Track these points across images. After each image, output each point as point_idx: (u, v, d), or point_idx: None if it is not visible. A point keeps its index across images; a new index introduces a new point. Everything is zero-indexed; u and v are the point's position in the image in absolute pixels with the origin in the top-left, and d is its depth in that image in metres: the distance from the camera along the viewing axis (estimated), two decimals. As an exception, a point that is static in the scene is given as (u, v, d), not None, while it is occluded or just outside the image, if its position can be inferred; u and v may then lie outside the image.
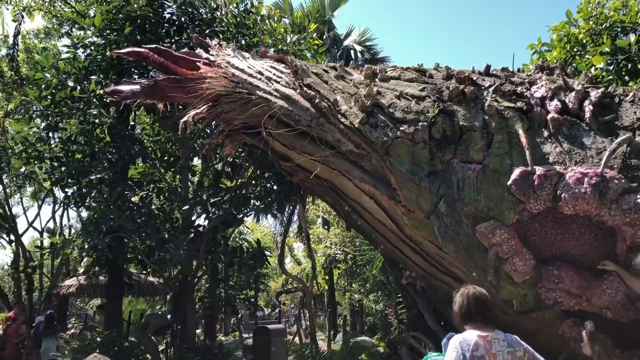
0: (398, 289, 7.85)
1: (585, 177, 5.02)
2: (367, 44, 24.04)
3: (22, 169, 9.61)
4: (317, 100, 6.16)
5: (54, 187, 11.12)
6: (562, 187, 5.09)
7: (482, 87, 6.06)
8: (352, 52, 23.76)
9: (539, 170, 5.19)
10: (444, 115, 5.77)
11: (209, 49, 7.54)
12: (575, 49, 9.23)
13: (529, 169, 5.24)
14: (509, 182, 5.27)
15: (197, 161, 12.56)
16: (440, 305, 6.70)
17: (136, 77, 9.74)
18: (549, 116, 5.56)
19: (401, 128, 5.68)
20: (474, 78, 6.16)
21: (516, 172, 5.28)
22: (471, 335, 3.16)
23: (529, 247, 5.31)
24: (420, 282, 6.96)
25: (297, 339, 12.00)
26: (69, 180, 9.68)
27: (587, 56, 8.88)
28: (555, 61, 8.06)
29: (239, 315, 20.05)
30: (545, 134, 5.54)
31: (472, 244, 5.37)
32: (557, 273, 5.19)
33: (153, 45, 7.73)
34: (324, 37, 21.95)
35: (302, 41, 10.63)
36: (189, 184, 10.93)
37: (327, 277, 21.79)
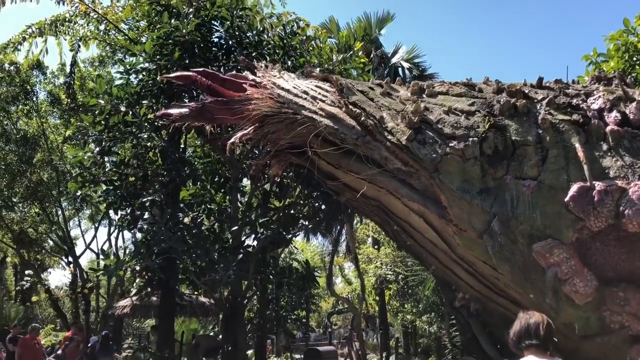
0: (451, 311, 7.56)
1: (650, 192, 4.72)
2: (415, 61, 23.86)
3: (78, 193, 9.90)
4: (362, 118, 6.06)
5: (108, 210, 11.41)
6: (625, 203, 4.80)
7: (535, 100, 5.83)
8: (399, 69, 23.63)
9: (598, 185, 4.92)
10: (495, 130, 5.56)
11: (255, 70, 7.60)
12: (634, 58, 8.84)
13: (587, 185, 4.97)
14: (567, 199, 5.00)
15: (246, 182, 12.67)
16: (495, 329, 6.41)
17: (186, 100, 9.93)
18: (608, 128, 5.28)
19: (450, 144, 5.51)
20: (526, 91, 5.94)
21: (574, 188, 5.02)
22: (529, 362, 2.96)
23: (590, 267, 5.01)
24: (474, 304, 6.69)
25: (348, 361, 11.79)
26: (122, 202, 9.92)
27: (647, 65, 8.49)
28: (612, 71, 7.72)
29: (291, 336, 19.96)
30: (605, 147, 5.26)
31: (528, 264, 5.11)
32: (622, 295, 4.87)
33: (201, 69, 7.85)
34: (371, 55, 21.95)
35: (348, 60, 10.60)
36: (238, 204, 11.01)
37: (377, 298, 21.46)
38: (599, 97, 5.65)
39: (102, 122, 9.55)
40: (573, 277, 4.92)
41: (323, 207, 11.09)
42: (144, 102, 9.68)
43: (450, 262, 6.27)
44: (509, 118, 5.66)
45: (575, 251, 5.00)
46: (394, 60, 23.74)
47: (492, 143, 5.50)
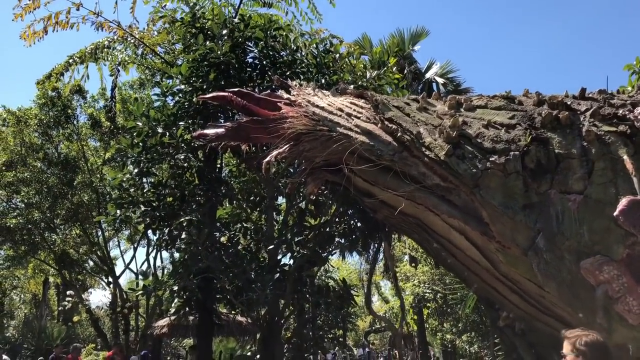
0: (495, 331, 7.32)
1: None
2: (449, 76, 23.71)
3: (117, 214, 10.05)
4: (399, 134, 5.98)
5: (146, 230, 11.56)
6: (679, 217, 4.56)
7: (578, 112, 5.64)
8: (433, 85, 23.51)
9: (650, 198, 4.70)
10: (537, 143, 5.40)
11: (290, 89, 7.61)
12: (681, 66, 8.53)
13: (638, 198, 4.76)
14: (616, 213, 4.80)
15: (281, 200, 12.67)
16: (542, 349, 6.16)
17: (222, 121, 10.02)
18: (658, 139, 5.06)
19: (491, 159, 5.36)
20: (568, 102, 5.76)
21: (623, 201, 4.81)
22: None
23: (643, 285, 4.77)
24: (520, 323, 6.45)
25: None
26: (160, 223, 10.01)
27: (695, 73, 8.18)
28: (657, 80, 7.45)
29: (331, 356, 19.76)
30: (655, 158, 5.03)
31: (576, 282, 4.90)
32: (679, 314, 4.61)
33: (236, 89, 7.90)
34: (405, 71, 21.89)
35: (382, 76, 10.55)
36: (274, 223, 10.99)
37: (416, 317, 21.09)
38: (647, 106, 5.43)
39: (140, 143, 9.69)
40: (625, 296, 4.70)
41: (359, 224, 10.96)
42: (180, 123, 9.79)
43: (493, 280, 6.08)
44: (551, 131, 5.49)
45: (626, 268, 4.78)
46: (427, 75, 23.64)
47: (535, 157, 5.33)
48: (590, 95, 6.04)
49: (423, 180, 5.87)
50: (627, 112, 5.46)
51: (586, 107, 5.67)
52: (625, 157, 5.04)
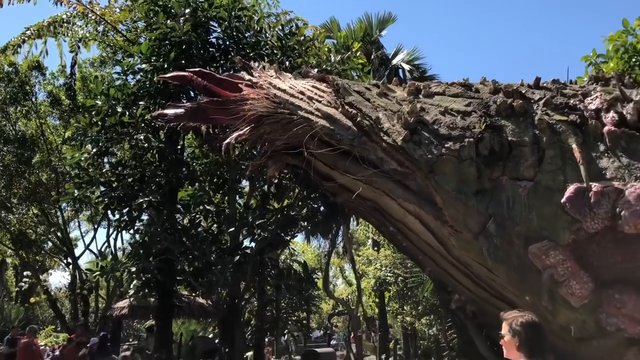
0: (448, 314, 7.51)
1: (647, 194, 4.66)
2: (416, 62, 23.83)
3: (76, 193, 9.87)
4: (358, 119, 6.02)
5: (106, 211, 11.39)
6: (622, 205, 4.74)
7: (532, 101, 5.78)
8: (400, 71, 23.60)
9: (595, 186, 4.87)
10: (492, 131, 5.51)
11: (252, 71, 7.56)
12: (634, 59, 8.77)
13: (584, 186, 4.92)
14: (563, 200, 4.95)
15: (244, 183, 12.63)
16: (492, 331, 6.35)
17: (184, 101, 9.90)
18: (605, 129, 5.23)
19: (446, 145, 5.46)
20: (523, 91, 5.89)
21: (570, 189, 4.96)
22: (523, 366, 2.90)
23: (586, 269, 4.95)
24: (471, 306, 6.63)
25: (346, 364, 11.76)
26: (120, 204, 9.89)
27: (646, 66, 8.42)
28: (612, 72, 7.66)
29: (290, 337, 19.94)
30: (602, 147, 5.21)
31: (524, 266, 5.06)
32: (619, 297, 4.82)
33: (197, 69, 7.82)
34: (372, 57, 21.92)
35: (346, 61, 10.56)
36: (237, 206, 10.97)
37: (377, 300, 21.38)
38: (597, 97, 5.60)
39: (99, 122, 9.52)
40: (569, 279, 4.87)
41: (322, 208, 11.03)
42: (140, 102, 9.64)
43: (446, 263, 6.22)
44: (505, 118, 5.62)
45: (571, 253, 4.95)
46: (394, 61, 23.71)
47: (488, 144, 5.45)
48: (544, 84, 6.19)
49: (381, 165, 5.94)
50: (577, 102, 5.62)
51: (540, 96, 5.81)
52: (574, 145, 5.19)
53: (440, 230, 5.73)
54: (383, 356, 17.27)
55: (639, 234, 4.80)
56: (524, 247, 5.04)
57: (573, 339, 5.06)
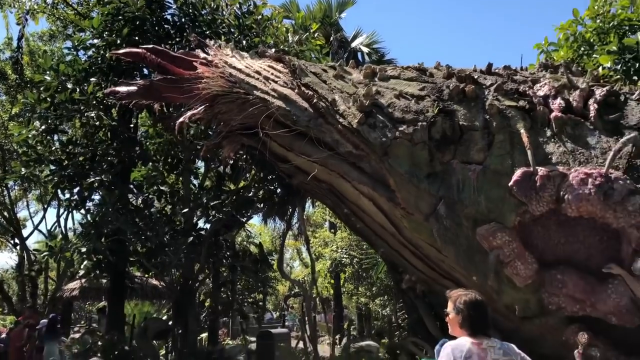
0: (399, 293, 7.67)
1: (589, 178, 4.85)
2: (375, 46, 23.87)
3: (23, 172, 9.56)
4: (315, 100, 6.02)
5: (56, 190, 11.08)
6: (566, 188, 4.92)
7: (484, 86, 5.90)
8: (359, 54, 23.61)
9: (541, 170, 5.03)
10: (444, 115, 5.61)
11: (207, 49, 7.44)
12: (582, 48, 9.03)
13: (530, 170, 5.07)
14: (510, 183, 5.10)
15: (200, 164, 12.47)
16: (441, 310, 6.52)
17: (138, 79, 9.67)
18: (552, 115, 5.40)
19: (400, 128, 5.53)
20: (475, 76, 6.01)
21: (518, 172, 5.12)
22: (464, 342, 3.00)
23: (531, 251, 5.13)
24: (421, 286, 6.79)
25: (301, 344, 11.88)
26: (70, 183, 9.64)
27: (594, 55, 8.69)
28: (561, 60, 7.88)
29: (245, 318, 19.94)
30: (549, 133, 5.38)
31: (472, 247, 5.20)
32: (560, 277, 5.01)
33: (150, 46, 7.63)
34: (331, 39, 21.85)
35: (304, 42, 10.51)
36: (191, 186, 10.84)
37: (332, 281, 21.59)
38: (545, 84, 5.76)
39: (48, 99, 9.22)
40: (514, 260, 5.04)
41: (278, 190, 11.01)
42: (92, 79, 9.37)
43: (398, 244, 6.34)
44: (457, 103, 5.72)
45: (517, 235, 5.11)
46: (353, 44, 23.69)
47: (441, 128, 5.54)
48: (496, 70, 6.33)
49: (336, 148, 5.97)
50: (527, 89, 5.77)
51: (491, 81, 5.94)
52: (522, 130, 5.33)
53: (393, 212, 5.82)
54: (337, 336, 17.49)
55: (581, 217, 5.00)
56: (472, 228, 5.18)
57: (517, 317, 5.25)
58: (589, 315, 5.00)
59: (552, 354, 5.29)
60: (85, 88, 9.17)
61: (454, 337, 3.16)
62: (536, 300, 5.15)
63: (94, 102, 9.25)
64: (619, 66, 8.11)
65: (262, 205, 11.47)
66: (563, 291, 4.98)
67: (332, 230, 22.89)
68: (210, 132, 10.56)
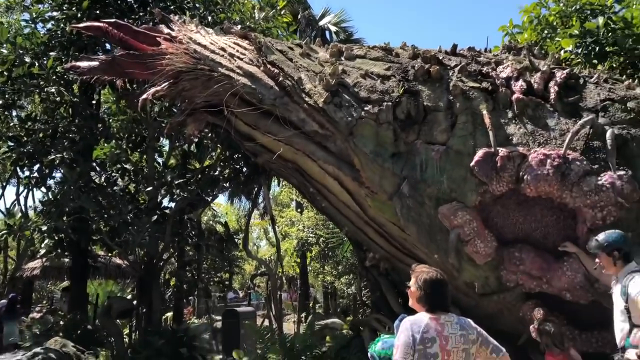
0: (363, 271, 7.78)
1: (547, 159, 4.97)
2: (343, 25, 23.77)
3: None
4: (280, 78, 5.99)
5: (15, 168, 10.79)
6: (525, 169, 5.04)
7: (448, 67, 5.96)
8: (327, 33, 23.48)
9: (502, 151, 5.13)
10: (409, 96, 5.66)
11: (171, 24, 7.29)
12: (545, 31, 9.17)
13: (492, 150, 5.17)
14: (472, 164, 5.19)
15: (165, 142, 12.28)
16: (403, 288, 6.63)
17: (100, 54, 9.42)
18: (514, 97, 5.49)
19: (365, 108, 5.56)
20: (440, 57, 6.06)
21: (479, 153, 5.21)
22: (422, 317, 3.07)
23: (491, 229, 5.26)
24: (384, 264, 6.89)
25: (266, 322, 11.97)
26: (30, 160, 9.41)
27: (557, 38, 8.84)
28: (525, 43, 7.99)
29: (207, 297, 19.93)
30: (510, 115, 5.47)
31: (434, 226, 5.30)
32: (518, 255, 5.16)
33: (112, 20, 7.44)
34: (299, 16, 21.66)
35: (271, 19, 10.39)
36: (156, 165, 10.68)
37: (299, 260, 21.71)
38: (508, 66, 5.84)
39: (5, 73, 8.93)
40: (475, 239, 5.15)
41: (244, 169, 10.95)
42: (51, 53, 9.10)
43: (362, 223, 6.40)
44: (422, 84, 5.77)
45: (477, 214, 5.23)
46: (321, 23, 23.54)
47: (405, 108, 5.59)
48: (461, 52, 6.39)
49: (302, 127, 5.97)
50: (490, 70, 5.84)
51: (456, 63, 6.00)
52: (484, 112, 5.41)
53: (358, 192, 5.87)
54: (303, 314, 17.67)
55: (539, 197, 5.14)
56: (434, 208, 5.27)
57: (476, 294, 5.39)
58: (545, 291, 5.17)
59: (509, 330, 5.47)
60: (45, 62, 8.91)
61: (414, 312, 3.23)
62: (495, 277, 5.30)
63: (54, 77, 9.00)
64: (580, 49, 8.28)
65: (227, 184, 11.41)
66: (521, 268, 5.13)
67: (299, 210, 22.95)
68: (175, 110, 10.41)
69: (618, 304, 4.06)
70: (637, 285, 3.84)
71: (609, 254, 4.11)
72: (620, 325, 4.03)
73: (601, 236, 4.19)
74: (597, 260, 4.26)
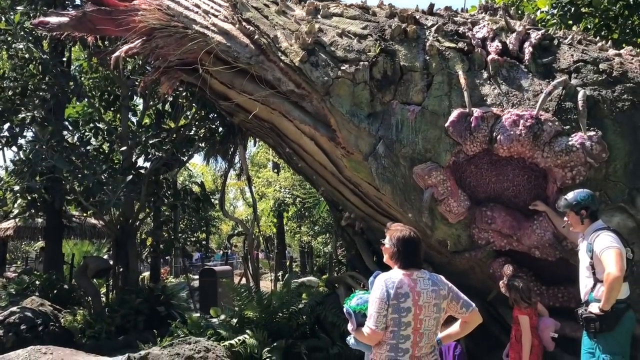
0: (338, 230, 7.89)
1: (520, 120, 5.04)
2: (320, -18, 23.37)
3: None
4: (256, 36, 5.90)
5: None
6: (498, 129, 5.10)
7: (425, 27, 5.93)
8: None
9: (476, 112, 5.18)
10: (385, 55, 5.63)
11: (144, -21, 7.07)
12: (522, -8, 9.17)
13: (466, 111, 5.22)
14: (447, 124, 5.24)
15: (139, 101, 12.10)
16: (378, 246, 6.76)
17: (70, 9, 9.14)
18: (489, 57, 5.50)
19: (342, 67, 5.52)
20: (417, 17, 6.02)
21: (454, 113, 5.25)
22: (396, 273, 3.16)
23: (464, 189, 5.36)
24: (359, 223, 6.99)
25: (244, 280, 12.12)
26: (-1, 118, 9.21)
27: (533, -1, 8.85)
28: (502, 3, 7.98)
29: (188, 257, 20.07)
30: (485, 75, 5.50)
31: (408, 186, 5.37)
32: (490, 214, 5.27)
33: (82, -27, 7.20)
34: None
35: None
36: (130, 124, 10.54)
37: (275, 220, 21.85)
38: (484, 26, 5.83)
39: (-31, 28, 8.63)
40: (448, 198, 5.25)
41: (220, 129, 10.87)
42: (18, 8, 8.80)
43: (338, 183, 6.46)
44: (399, 43, 5.74)
45: (451, 174, 5.31)
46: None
47: (382, 68, 5.57)
48: (437, 11, 6.35)
49: (278, 86, 5.92)
50: (466, 30, 5.83)
51: (432, 22, 5.97)
52: (460, 72, 5.43)
53: (334, 152, 5.90)
54: (280, 273, 17.91)
55: (512, 157, 5.24)
56: (409, 167, 5.34)
57: (448, 251, 5.52)
58: (514, 249, 5.32)
59: (479, 285, 5.65)
60: (12, 17, 8.62)
61: (388, 268, 3.32)
62: (467, 235, 5.42)
63: (22, 32, 8.73)
64: (556, 10, 8.33)
65: (203, 144, 11.35)
66: (492, 227, 5.25)
67: (276, 170, 22.98)
68: (149, 68, 10.22)
69: (584, 260, 4.22)
70: (602, 243, 3.99)
71: (577, 212, 4.26)
72: (585, 281, 4.21)
73: (570, 195, 4.33)
74: (565, 218, 4.41)
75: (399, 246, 3.24)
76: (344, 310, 3.41)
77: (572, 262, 4.77)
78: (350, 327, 3.31)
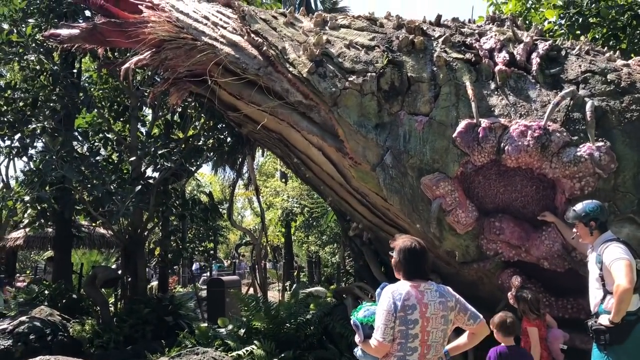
0: (346, 241, 7.89)
1: (528, 130, 5.04)
2: (328, -7, 23.53)
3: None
4: (264, 48, 5.95)
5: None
6: (506, 140, 5.10)
7: (432, 38, 5.95)
8: (311, 1, 23.24)
9: (483, 122, 5.18)
10: (393, 66, 5.66)
11: (153, -9, 7.16)
12: (529, 2, 9.19)
13: (474, 122, 5.22)
14: (454, 135, 5.24)
15: (148, 111, 12.20)
16: (386, 257, 6.76)
17: (80, 21, 9.25)
18: (497, 68, 5.52)
19: (350, 78, 5.56)
20: (424, 28, 6.05)
21: (461, 124, 5.25)
22: (403, 285, 3.15)
23: (472, 200, 5.35)
24: (367, 233, 6.99)
25: (251, 290, 12.11)
26: (10, 129, 9.31)
27: (541, 9, 8.86)
28: (509, 14, 8.00)
29: (195, 267, 20.09)
30: (492, 86, 5.51)
31: (416, 196, 5.37)
32: (498, 225, 5.26)
33: (92, -14, 7.29)
34: (283, -16, 21.32)
35: (255, -13, 10.25)
36: (139, 134, 10.62)
37: (283, 230, 21.84)
38: (491, 37, 5.85)
39: (-18, 40, 8.75)
40: (456, 209, 5.24)
41: (228, 139, 10.93)
42: (30, 20, 8.92)
43: (345, 194, 6.46)
44: (406, 54, 5.76)
45: (459, 184, 5.31)
46: (306, -10, 23.24)
47: (389, 79, 5.60)
48: (445, 22, 6.38)
49: (286, 97, 5.96)
50: (474, 41, 5.85)
51: (440, 33, 5.99)
52: (467, 83, 5.44)
53: (341, 162, 5.92)
54: (287, 283, 17.88)
55: (520, 168, 5.22)
56: (417, 178, 5.34)
57: (457, 262, 5.50)
58: (523, 260, 5.30)
59: (488, 297, 5.62)
60: (24, 30, 8.73)
61: (396, 280, 3.31)
62: (475, 246, 5.41)
63: (33, 44, 8.84)
64: (564, 20, 8.33)
65: (211, 154, 11.41)
66: (500, 237, 5.24)
67: (283, 180, 23.01)
68: (158, 79, 10.31)
69: (593, 271, 4.19)
70: (612, 254, 3.96)
71: (586, 223, 4.23)
72: (594, 293, 4.17)
73: (579, 206, 4.31)
74: (574, 230, 4.39)
75: (402, 257, 3.24)
76: (352, 322, 3.40)
77: (582, 273, 4.74)
78: (357, 339, 3.30)
